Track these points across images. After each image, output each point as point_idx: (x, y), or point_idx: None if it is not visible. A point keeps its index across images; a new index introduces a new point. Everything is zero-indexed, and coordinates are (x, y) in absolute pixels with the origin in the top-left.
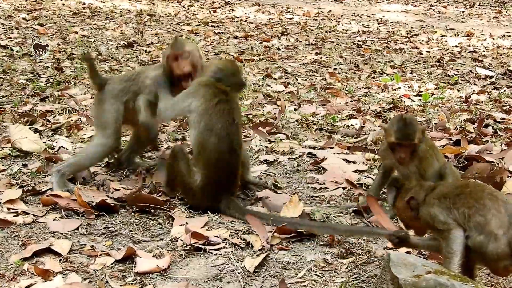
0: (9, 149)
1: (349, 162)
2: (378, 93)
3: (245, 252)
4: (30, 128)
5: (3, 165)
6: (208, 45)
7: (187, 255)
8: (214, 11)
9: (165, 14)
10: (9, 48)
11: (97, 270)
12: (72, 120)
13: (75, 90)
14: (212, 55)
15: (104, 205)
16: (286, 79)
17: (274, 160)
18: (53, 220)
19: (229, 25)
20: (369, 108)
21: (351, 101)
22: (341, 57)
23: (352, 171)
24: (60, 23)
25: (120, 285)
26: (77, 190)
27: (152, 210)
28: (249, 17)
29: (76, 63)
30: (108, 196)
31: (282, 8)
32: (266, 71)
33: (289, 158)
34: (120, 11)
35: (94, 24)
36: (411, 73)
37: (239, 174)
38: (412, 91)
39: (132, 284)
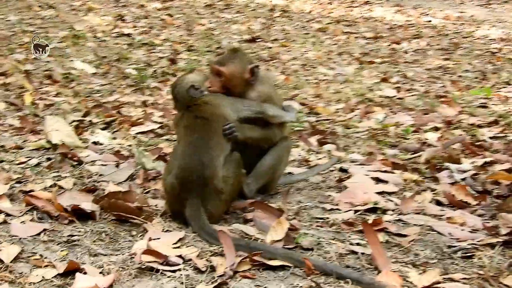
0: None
1: (379, 181)
2: (496, 105)
3: (203, 276)
4: (82, 120)
5: (25, 157)
6: (333, 45)
7: (138, 275)
8: (351, 10)
9: (299, 11)
10: (131, 37)
11: (33, 283)
12: (144, 114)
13: None
14: (335, 54)
15: (79, 211)
16: (403, 84)
17: (299, 173)
18: (21, 222)
19: (361, 25)
20: (466, 122)
21: (460, 112)
22: (470, 64)
23: (376, 192)
24: (190, 14)
25: None
26: (54, 192)
27: (131, 220)
28: (385, 17)
29: (192, 55)
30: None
31: (423, 10)
32: (385, 75)
33: (318, 172)
34: (256, 5)
35: (223, 17)
36: None
37: (206, 179)
38: None
39: None
